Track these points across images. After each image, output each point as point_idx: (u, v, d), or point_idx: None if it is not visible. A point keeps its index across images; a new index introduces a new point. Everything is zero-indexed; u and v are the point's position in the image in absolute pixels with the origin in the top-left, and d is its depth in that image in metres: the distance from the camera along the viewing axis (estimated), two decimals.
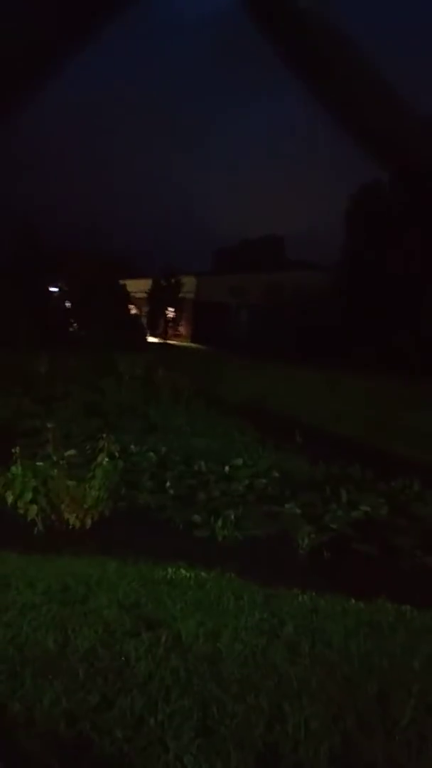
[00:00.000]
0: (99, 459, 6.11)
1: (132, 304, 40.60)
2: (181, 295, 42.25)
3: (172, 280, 42.16)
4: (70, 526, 5.67)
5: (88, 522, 5.71)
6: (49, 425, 7.14)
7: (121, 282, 38.48)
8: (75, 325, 34.88)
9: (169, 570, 4.48)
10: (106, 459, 6.12)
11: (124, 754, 2.43)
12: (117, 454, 6.67)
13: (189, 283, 42.47)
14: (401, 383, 18.84)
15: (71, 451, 6.78)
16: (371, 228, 27.95)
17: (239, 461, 7.91)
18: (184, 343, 39.94)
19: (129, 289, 39.67)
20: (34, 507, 5.70)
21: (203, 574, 4.44)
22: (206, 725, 2.64)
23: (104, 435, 6.35)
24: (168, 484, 6.94)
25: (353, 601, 4.09)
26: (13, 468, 5.94)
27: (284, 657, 3.28)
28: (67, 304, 36.49)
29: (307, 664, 3.22)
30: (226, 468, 7.58)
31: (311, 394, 15.08)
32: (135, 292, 41.07)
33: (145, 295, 42.25)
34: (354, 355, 24.23)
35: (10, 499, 5.80)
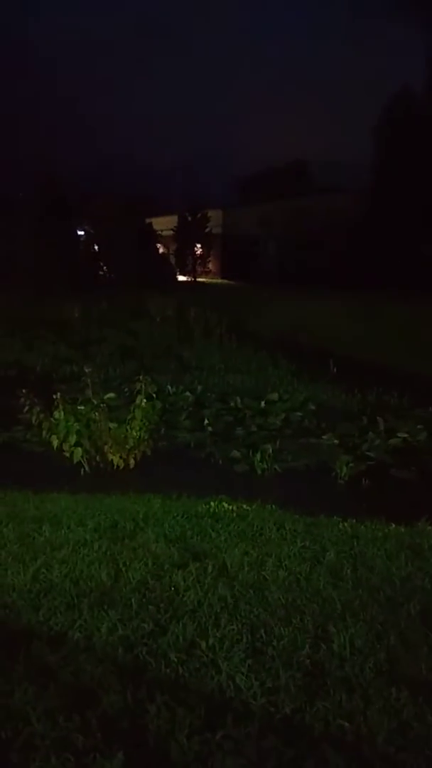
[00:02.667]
0: (137, 401, 6.23)
1: (159, 242, 40.02)
2: (207, 230, 41.28)
3: (198, 215, 41.13)
4: (115, 467, 5.87)
5: (132, 462, 5.90)
6: (86, 370, 7.28)
7: (147, 221, 37.79)
8: (104, 268, 34.75)
9: (212, 504, 4.62)
10: (144, 400, 6.23)
11: (179, 676, 2.59)
12: (154, 395, 6.78)
13: (215, 217, 41.38)
14: None
15: (110, 394, 6.91)
16: (401, 138, 26.41)
17: (275, 395, 7.93)
18: (214, 280, 39.40)
19: (155, 227, 38.98)
20: (79, 450, 5.90)
21: (245, 506, 4.57)
22: (255, 647, 2.79)
23: (141, 377, 6.45)
24: (206, 421, 7.05)
25: (393, 525, 4.16)
26: (56, 413, 6.13)
27: (327, 581, 3.39)
28: (95, 248, 36.23)
29: (350, 588, 3.32)
30: (262, 403, 7.63)
31: (345, 323, 14.81)
32: (161, 230, 40.35)
33: (171, 232, 41.46)
34: (390, 279, 23.42)
35: (55, 442, 6.02)
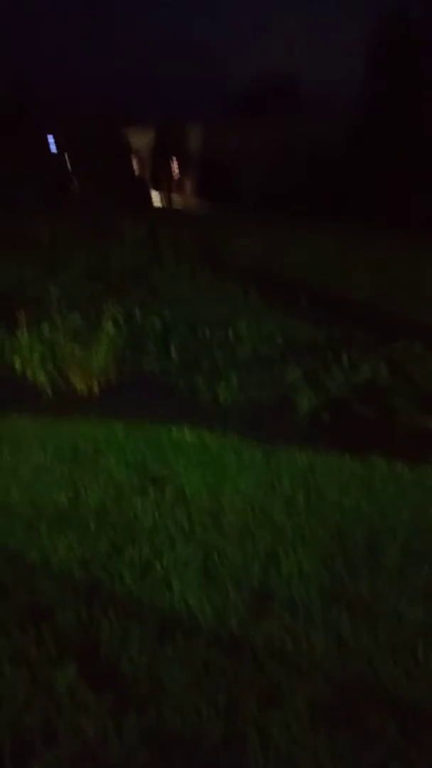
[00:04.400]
0: (104, 325, 6.11)
1: (135, 157, 38.12)
2: (186, 148, 39.38)
3: (178, 131, 39.07)
4: (78, 391, 5.82)
5: (95, 387, 5.86)
6: (51, 290, 7.06)
7: (123, 133, 35.79)
8: (75, 183, 33.12)
9: (174, 431, 4.66)
10: (111, 325, 6.12)
11: (133, 595, 2.69)
12: (121, 320, 6.65)
13: (195, 134, 39.41)
14: (420, 244, 18.10)
15: (75, 316, 6.75)
16: (395, 64, 25.15)
17: (243, 326, 7.87)
18: (191, 201, 38.06)
19: (131, 141, 37.00)
20: (43, 372, 5.82)
21: (206, 435, 4.62)
22: (207, 569, 2.90)
23: (108, 301, 6.29)
24: (172, 349, 6.99)
25: (348, 458, 4.28)
26: (19, 334, 5.99)
27: (281, 509, 3.51)
28: (66, 159, 34.32)
29: (302, 516, 3.45)
30: (230, 333, 7.57)
31: (323, 255, 14.59)
32: (137, 145, 38.33)
33: (147, 147, 39.41)
34: (375, 212, 22.93)
35: (17, 365, 5.91)
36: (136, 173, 37.24)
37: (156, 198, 37.20)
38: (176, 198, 38.46)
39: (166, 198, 38.03)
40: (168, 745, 2.00)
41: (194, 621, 2.56)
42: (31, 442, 4.35)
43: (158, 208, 29.41)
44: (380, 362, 6.47)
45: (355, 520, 3.40)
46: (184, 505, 3.51)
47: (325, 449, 4.35)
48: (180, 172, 39.97)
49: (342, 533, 3.26)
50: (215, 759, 1.95)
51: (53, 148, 34.30)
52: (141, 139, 38.73)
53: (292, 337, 7.46)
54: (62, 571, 2.86)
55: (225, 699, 2.16)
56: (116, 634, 2.46)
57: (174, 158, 39.41)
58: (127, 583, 2.77)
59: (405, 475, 3.93)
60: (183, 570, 2.89)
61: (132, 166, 36.59)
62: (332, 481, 3.85)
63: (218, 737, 2.02)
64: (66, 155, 34.06)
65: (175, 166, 39.75)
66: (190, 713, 2.11)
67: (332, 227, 19.73)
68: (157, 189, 39.00)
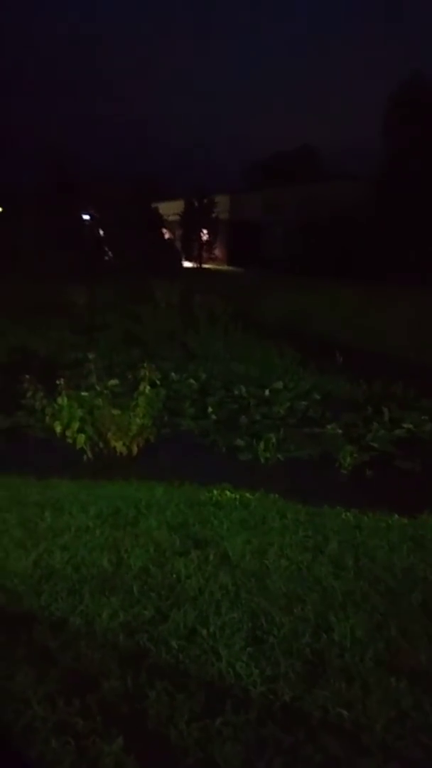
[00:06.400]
0: (141, 387, 6.22)
1: (165, 228, 39.81)
2: (214, 215, 41.01)
3: (205, 200, 40.85)
4: (118, 453, 5.87)
5: (135, 449, 5.90)
6: (90, 356, 7.26)
7: (154, 205, 37.56)
8: (109, 253, 34.63)
9: (215, 492, 4.62)
10: (148, 387, 6.22)
11: (179, 663, 2.60)
12: (158, 382, 6.77)
13: (223, 203, 41.10)
14: None
15: (114, 381, 6.90)
16: (411, 127, 26.08)
17: (279, 384, 7.91)
18: (221, 267, 39.24)
19: (162, 212, 38.76)
20: (82, 436, 5.90)
21: (248, 495, 4.56)
22: (255, 635, 2.79)
23: (145, 364, 6.43)
24: (210, 409, 7.04)
25: (396, 516, 4.15)
26: (60, 399, 6.12)
27: (329, 571, 3.39)
28: (101, 232, 36.07)
29: (352, 578, 3.32)
30: (267, 391, 7.61)
31: (352, 313, 14.73)
32: (168, 215, 40.11)
33: (178, 217, 41.21)
34: (400, 270, 23.22)
35: (58, 429, 6.02)
36: (168, 241, 38.76)
37: (187, 264, 38.50)
38: (207, 264, 39.73)
39: (197, 264, 39.31)
40: None
41: (244, 691, 2.45)
42: (73, 506, 4.36)
43: (189, 274, 30.34)
44: (422, 417, 6.36)
45: (407, 582, 3.25)
46: (228, 567, 3.43)
47: (370, 507, 4.24)
48: (209, 239, 41.46)
49: (395, 595, 3.12)
50: None
51: (88, 220, 36.15)
52: (172, 211, 40.58)
53: (330, 394, 7.44)
54: (107, 637, 2.79)
55: None
56: (164, 704, 2.36)
57: (203, 227, 41.02)
58: (173, 650, 2.69)
59: None
60: (230, 636, 2.79)
61: (163, 235, 38.15)
62: (381, 540, 3.73)
63: None
64: (100, 227, 35.83)
65: (204, 234, 41.32)
66: None
67: (364, 286, 19.98)
68: (187, 256, 40.43)
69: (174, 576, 3.32)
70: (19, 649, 2.68)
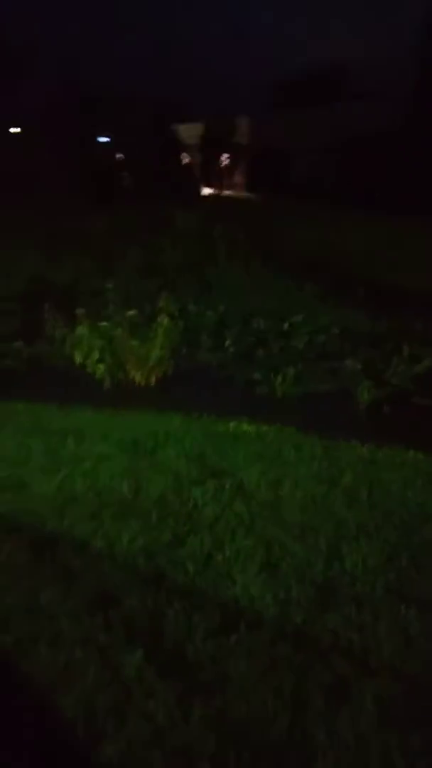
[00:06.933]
0: (159, 319, 6.17)
1: (184, 152, 38.31)
2: (235, 139, 39.21)
3: (227, 123, 38.96)
4: (137, 384, 5.92)
5: (153, 380, 5.94)
6: (108, 286, 7.20)
7: (173, 128, 36.01)
8: (127, 177, 33.56)
9: (231, 424, 4.67)
10: (167, 319, 6.17)
11: (196, 585, 2.72)
12: (176, 313, 6.71)
13: (244, 126, 39.18)
14: None
15: (132, 312, 6.85)
16: None
17: (299, 318, 7.79)
18: (241, 194, 37.93)
19: (181, 135, 37.19)
20: (102, 366, 5.94)
21: (264, 428, 4.61)
22: (269, 562, 2.90)
23: (163, 294, 6.35)
24: (227, 342, 6.99)
25: (412, 452, 4.18)
26: (79, 328, 6.13)
27: (343, 503, 3.46)
28: (118, 156, 34.86)
29: (365, 510, 3.39)
30: (285, 325, 7.51)
31: (377, 245, 14.24)
32: (186, 139, 38.49)
33: (198, 141, 39.48)
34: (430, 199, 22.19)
35: (78, 358, 6.06)
36: (187, 167, 37.40)
37: (206, 191, 37.26)
38: (227, 191, 38.42)
39: (217, 191, 38.04)
40: (234, 733, 2.01)
41: (257, 613, 2.57)
42: (94, 434, 4.45)
43: (209, 201, 29.41)
44: None
45: (420, 516, 3.31)
46: (243, 497, 3.51)
47: (386, 442, 4.26)
48: (230, 164, 39.89)
49: (407, 528, 3.18)
50: (282, 750, 1.95)
51: (105, 143, 34.87)
52: (191, 133, 38.88)
53: (349, 328, 7.33)
54: (126, 559, 2.92)
55: (291, 692, 2.16)
56: (181, 622, 2.49)
57: (224, 151, 39.37)
58: (190, 573, 2.80)
59: None
60: (245, 562, 2.89)
61: (182, 160, 36.76)
62: (395, 475, 3.77)
63: (284, 729, 2.02)
64: (118, 151, 34.58)
65: (225, 158, 39.71)
66: (256, 704, 2.11)
67: (392, 216, 19.23)
68: (206, 182, 39.08)
69: (191, 504, 3.42)
70: (44, 568, 2.82)
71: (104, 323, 6.23)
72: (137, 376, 5.95)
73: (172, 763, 1.91)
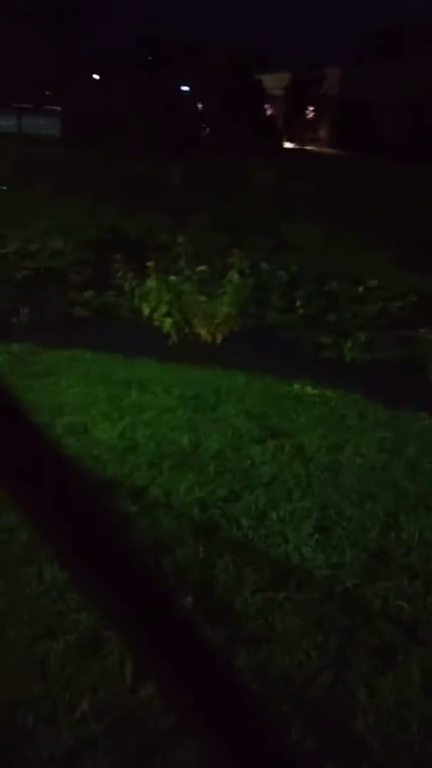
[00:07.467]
0: (229, 276, 6.11)
1: (268, 103, 37.00)
2: (322, 91, 37.39)
3: (313, 74, 37.15)
4: (202, 340, 5.93)
5: (219, 337, 5.93)
6: (179, 240, 7.16)
7: (257, 78, 34.75)
8: (207, 129, 32.93)
9: (296, 386, 4.61)
10: (237, 276, 6.10)
11: (249, 540, 2.75)
12: (247, 271, 6.61)
13: (332, 77, 37.23)
14: None
15: (202, 267, 6.81)
16: None
17: (374, 282, 7.51)
18: (324, 149, 36.43)
19: (265, 86, 35.86)
20: (169, 320, 5.98)
21: (329, 392, 4.53)
22: (324, 525, 2.88)
23: (235, 251, 6.25)
24: (298, 303, 6.86)
25: None
26: (148, 281, 6.16)
27: (404, 474, 3.37)
28: (199, 106, 34.14)
29: (427, 482, 3.30)
30: (360, 289, 7.27)
31: None
32: (271, 89, 37.08)
33: (282, 92, 37.97)
34: None
35: (146, 311, 6.12)
36: (270, 119, 36.17)
37: (288, 145, 36.02)
38: (310, 146, 37.01)
39: (300, 146, 36.71)
40: (277, 684, 2.05)
41: (308, 573, 2.57)
42: (157, 386, 4.52)
43: (290, 156, 28.44)
44: None
45: None
46: (302, 459, 3.49)
47: None
48: (315, 118, 38.25)
49: None
50: (323, 706, 1.98)
51: (187, 93, 34.19)
52: (277, 84, 37.41)
53: (427, 297, 7.00)
54: (182, 509, 2.98)
55: (336, 651, 2.17)
56: (231, 574, 2.53)
57: (309, 104, 37.75)
58: (244, 528, 2.84)
59: None
60: (299, 522, 2.89)
61: (265, 111, 35.55)
62: None
63: (327, 686, 2.04)
64: (199, 101, 33.85)
65: (310, 111, 38.10)
66: (301, 658, 2.14)
67: None
68: (289, 136, 37.72)
69: (249, 461, 3.43)
70: (103, 512, 2.92)
71: (173, 277, 6.23)
72: (203, 332, 5.95)
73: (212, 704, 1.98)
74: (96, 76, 32.96)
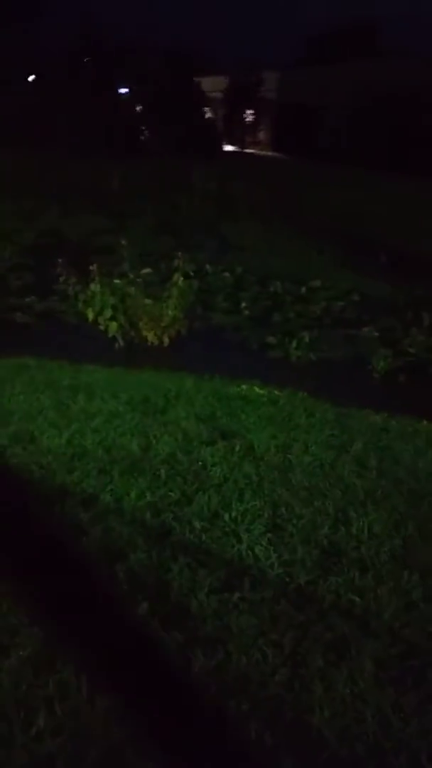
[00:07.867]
0: (174, 278, 6.10)
1: (207, 106, 37.18)
2: (261, 95, 37.90)
3: (252, 77, 37.60)
4: (149, 343, 5.90)
5: (166, 339, 5.91)
6: (123, 243, 7.10)
7: (195, 80, 34.85)
8: (146, 132, 32.76)
9: (243, 387, 4.66)
10: (181, 278, 6.10)
11: (202, 542, 2.75)
12: (192, 273, 6.62)
13: (271, 81, 37.79)
14: None
15: (147, 270, 6.79)
16: None
17: (317, 282, 7.68)
18: (264, 152, 36.93)
19: (203, 88, 36.02)
20: (114, 324, 5.92)
21: (276, 392, 4.59)
22: (275, 523, 2.92)
23: (179, 254, 6.26)
24: (243, 304, 6.93)
25: (425, 422, 4.15)
26: (92, 285, 6.08)
27: (352, 470, 3.46)
28: (137, 108, 33.92)
29: (374, 477, 3.39)
30: (303, 289, 7.42)
31: (403, 211, 13.88)
32: (210, 92, 37.28)
33: (221, 95, 38.25)
34: None
35: (90, 315, 6.03)
36: (209, 122, 36.33)
37: (228, 148, 36.32)
38: (250, 148, 37.44)
39: (239, 148, 37.07)
40: (234, 684, 2.05)
41: (262, 572, 2.59)
42: (105, 392, 4.46)
43: (230, 159, 28.67)
44: None
45: (430, 485, 3.30)
46: (252, 459, 3.52)
47: (400, 412, 4.23)
48: (254, 121, 38.74)
49: (416, 497, 3.18)
50: (280, 702, 1.99)
51: (124, 95, 33.92)
52: (215, 87, 37.65)
53: (369, 296, 7.21)
54: (134, 515, 2.95)
55: (291, 648, 2.19)
56: (186, 577, 2.52)
57: (248, 107, 38.20)
58: (197, 530, 2.83)
59: None
60: (251, 522, 2.91)
61: (204, 114, 35.69)
62: (407, 444, 3.75)
63: (284, 683, 2.06)
64: (136, 103, 33.64)
65: (249, 114, 38.55)
66: (257, 657, 2.15)
67: (423, 182, 18.67)
68: (229, 139, 38.04)
69: (200, 463, 3.43)
70: (53, 519, 2.86)
71: (117, 281, 6.18)
72: (150, 336, 5.92)
73: (172, 709, 1.96)
74: (30, 78, 32.23)
